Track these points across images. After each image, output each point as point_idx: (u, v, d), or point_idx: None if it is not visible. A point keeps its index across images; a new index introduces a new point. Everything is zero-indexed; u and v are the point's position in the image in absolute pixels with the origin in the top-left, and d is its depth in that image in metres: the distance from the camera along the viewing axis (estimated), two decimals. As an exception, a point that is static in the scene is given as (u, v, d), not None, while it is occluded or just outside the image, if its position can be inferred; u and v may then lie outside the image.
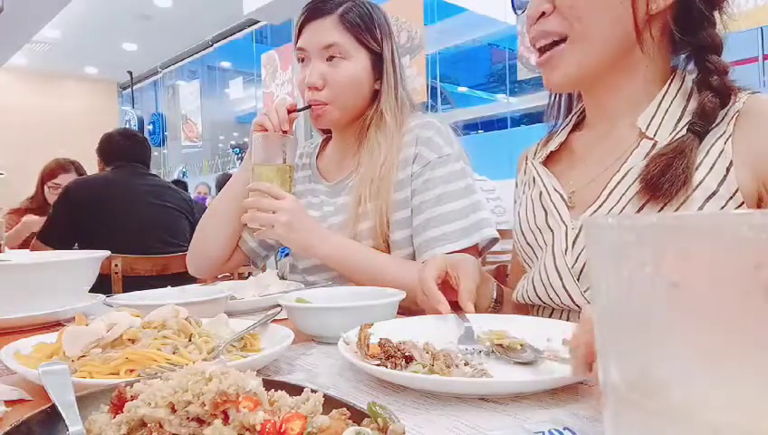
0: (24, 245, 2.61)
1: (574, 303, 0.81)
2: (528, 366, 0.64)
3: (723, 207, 0.70)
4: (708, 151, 0.73)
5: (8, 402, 0.54)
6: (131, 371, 0.58)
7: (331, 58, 1.19)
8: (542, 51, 0.82)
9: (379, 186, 1.17)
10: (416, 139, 1.18)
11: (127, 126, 8.53)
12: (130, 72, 9.74)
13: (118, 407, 0.41)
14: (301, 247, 1.15)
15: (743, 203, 0.70)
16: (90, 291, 1.10)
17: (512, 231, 1.03)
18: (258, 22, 6.78)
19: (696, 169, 0.72)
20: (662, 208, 0.73)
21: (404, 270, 1.09)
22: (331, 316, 0.79)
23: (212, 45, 8.18)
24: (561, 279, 0.81)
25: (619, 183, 0.78)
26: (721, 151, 0.72)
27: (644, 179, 0.74)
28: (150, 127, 9.56)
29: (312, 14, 1.21)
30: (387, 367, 0.59)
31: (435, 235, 1.12)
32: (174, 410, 0.38)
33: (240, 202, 1.18)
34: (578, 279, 0.80)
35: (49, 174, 3.21)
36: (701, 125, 0.73)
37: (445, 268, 0.85)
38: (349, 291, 0.98)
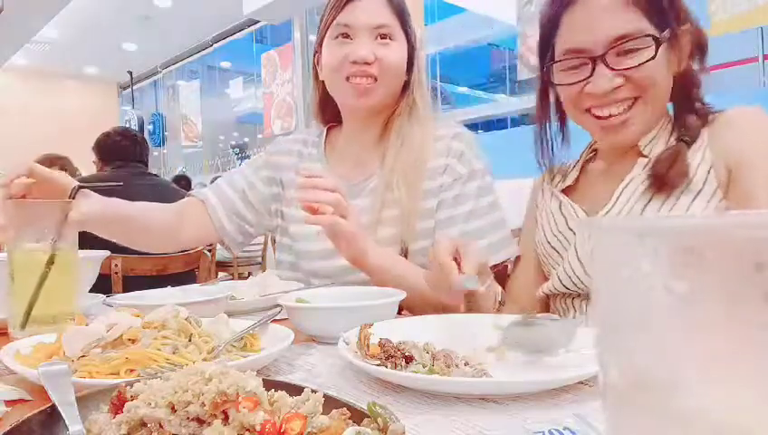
0: None
1: None
2: (529, 366, 0.64)
3: (708, 202, 0.86)
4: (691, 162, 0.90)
5: (8, 402, 0.54)
6: (131, 371, 0.58)
7: (381, 36, 1.13)
8: (607, 117, 0.92)
9: (413, 173, 1.12)
10: (447, 149, 1.15)
11: (127, 126, 8.52)
12: (130, 72, 9.74)
13: (118, 407, 0.41)
14: (357, 251, 0.99)
15: (722, 199, 0.86)
16: (90, 291, 1.10)
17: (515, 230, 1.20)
18: (258, 22, 6.78)
19: None
20: (664, 203, 0.88)
21: None
22: (331, 316, 0.79)
23: (212, 45, 8.18)
24: (582, 266, 0.95)
25: (626, 187, 0.94)
26: (701, 158, 0.88)
27: (653, 175, 0.89)
28: (150, 127, 9.54)
29: None
30: (387, 367, 0.59)
31: None
32: (174, 411, 0.38)
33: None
34: None
35: None
36: (690, 136, 0.90)
37: (456, 247, 0.87)
38: (349, 291, 0.98)
